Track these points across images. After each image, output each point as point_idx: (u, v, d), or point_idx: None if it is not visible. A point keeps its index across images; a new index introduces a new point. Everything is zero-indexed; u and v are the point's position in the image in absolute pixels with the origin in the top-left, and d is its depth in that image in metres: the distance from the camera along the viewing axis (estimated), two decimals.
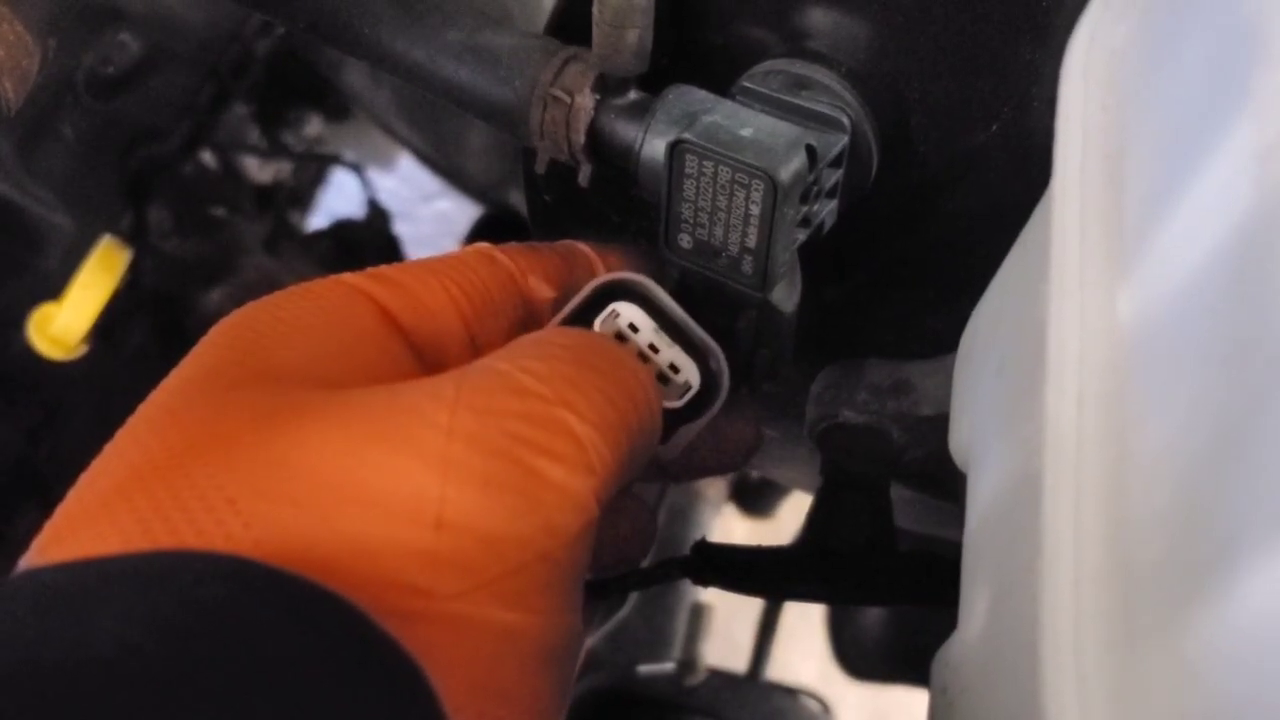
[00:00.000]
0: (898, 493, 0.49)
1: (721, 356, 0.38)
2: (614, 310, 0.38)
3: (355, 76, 0.92)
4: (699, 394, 0.38)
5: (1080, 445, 0.23)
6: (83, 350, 0.70)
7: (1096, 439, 0.23)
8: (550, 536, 0.30)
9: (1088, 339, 0.24)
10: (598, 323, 0.38)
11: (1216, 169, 0.21)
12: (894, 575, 0.44)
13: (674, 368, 0.38)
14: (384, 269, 0.36)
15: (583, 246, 0.42)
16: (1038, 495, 0.23)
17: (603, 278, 0.38)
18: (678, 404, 0.38)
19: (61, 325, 0.67)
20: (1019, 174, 0.41)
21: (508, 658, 0.29)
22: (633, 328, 0.38)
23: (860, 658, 1.07)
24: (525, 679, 0.29)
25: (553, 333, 0.35)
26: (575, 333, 0.35)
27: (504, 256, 0.39)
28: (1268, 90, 0.20)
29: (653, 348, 0.38)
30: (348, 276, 0.36)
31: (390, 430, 0.30)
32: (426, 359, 0.35)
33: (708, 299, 0.40)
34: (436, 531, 0.28)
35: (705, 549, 0.46)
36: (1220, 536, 0.18)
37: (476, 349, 0.37)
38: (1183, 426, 0.20)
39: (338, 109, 1.14)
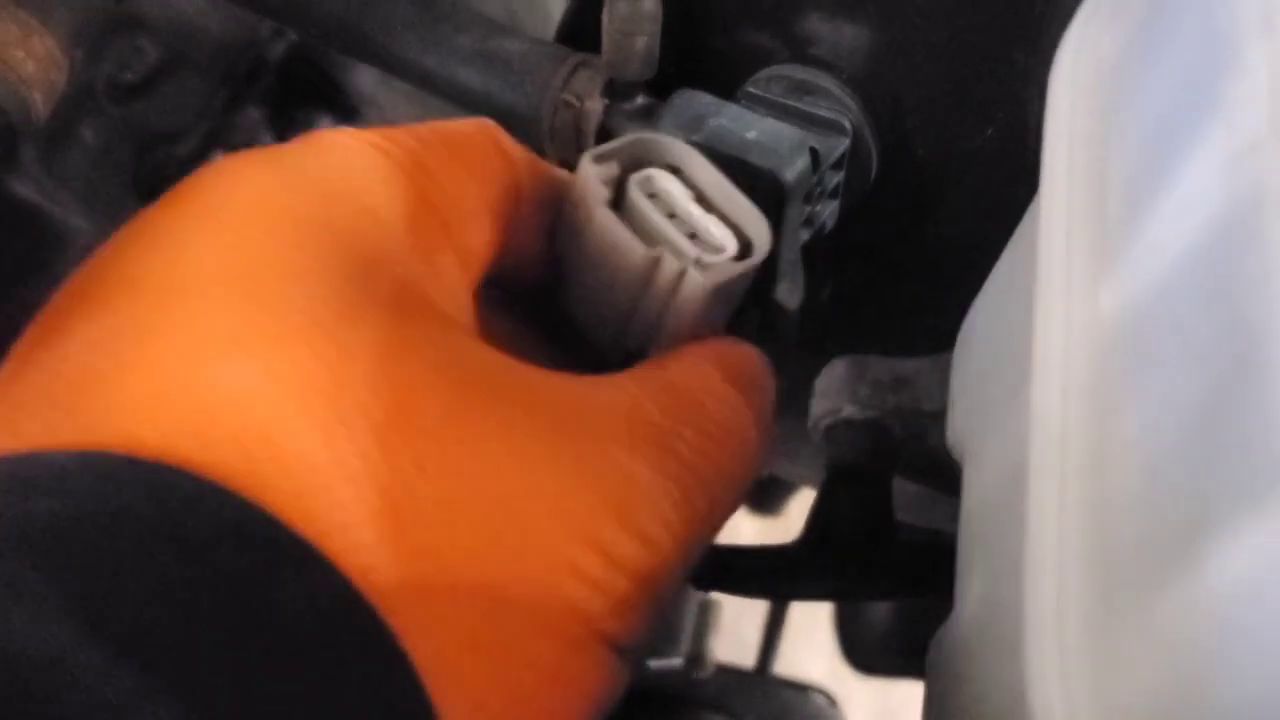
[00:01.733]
0: (901, 486, 0.50)
1: (761, 220, 0.34)
2: (648, 175, 0.35)
3: (366, 79, 0.93)
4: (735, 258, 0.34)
5: (1064, 434, 0.24)
6: None
7: (1080, 428, 0.24)
8: (668, 585, 0.29)
9: (1073, 334, 0.25)
10: (633, 181, 0.34)
11: (1191, 172, 0.22)
12: (895, 567, 0.45)
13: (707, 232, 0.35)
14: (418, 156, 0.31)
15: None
16: (1024, 482, 0.24)
17: (639, 136, 0.35)
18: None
19: None
20: (1014, 175, 0.42)
21: (606, 697, 0.28)
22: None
23: (869, 653, 1.07)
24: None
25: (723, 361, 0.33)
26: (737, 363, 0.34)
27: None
28: (1237, 98, 0.21)
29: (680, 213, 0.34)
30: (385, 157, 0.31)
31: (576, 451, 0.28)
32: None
33: None
34: (607, 567, 0.27)
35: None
36: (1189, 517, 0.20)
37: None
38: (1158, 414, 0.22)
39: (348, 111, 1.15)
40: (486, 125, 0.34)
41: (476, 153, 0.33)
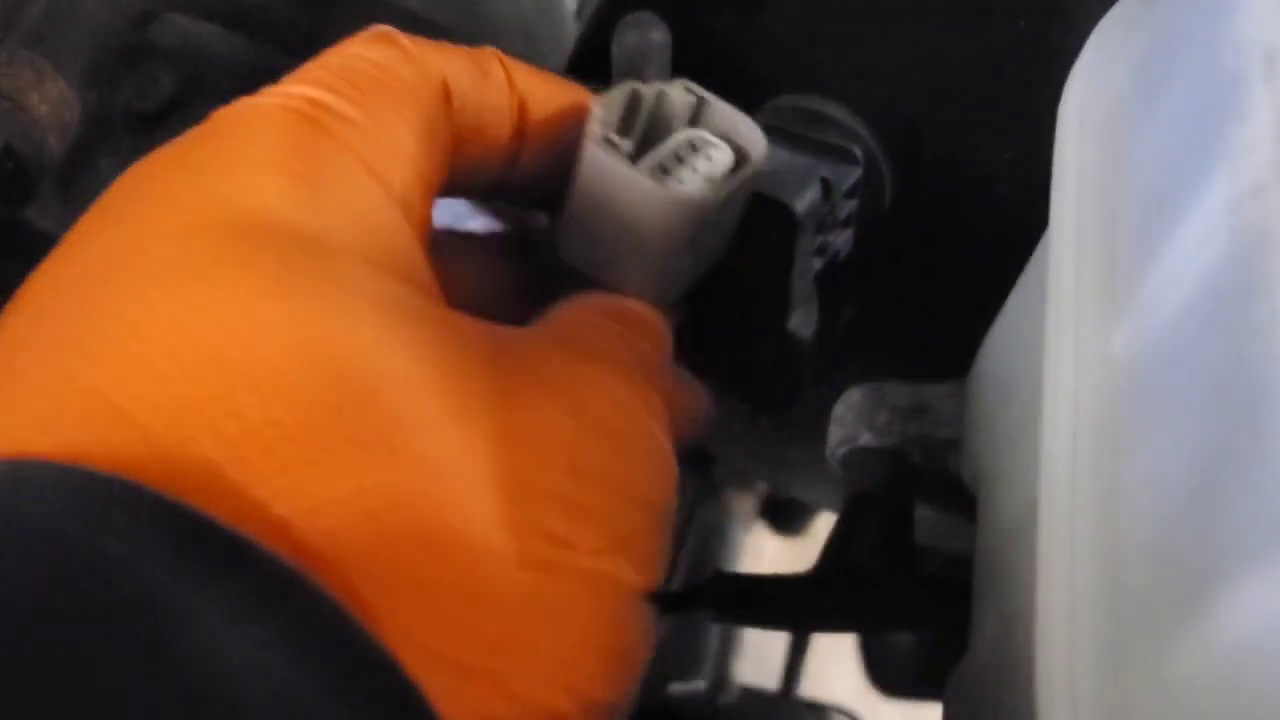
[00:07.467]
0: (923, 512, 0.50)
1: (754, 128, 0.36)
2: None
3: None
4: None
5: (1074, 477, 0.24)
6: None
7: (1090, 471, 0.23)
8: (668, 502, 0.30)
9: (1083, 373, 0.25)
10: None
11: (1197, 214, 0.22)
12: (913, 602, 0.44)
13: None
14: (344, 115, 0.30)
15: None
16: (1034, 524, 0.24)
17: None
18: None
19: None
20: (1032, 200, 0.42)
21: (632, 623, 0.28)
22: None
23: (895, 675, 1.07)
24: (641, 641, 0.29)
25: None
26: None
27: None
28: (1241, 141, 0.21)
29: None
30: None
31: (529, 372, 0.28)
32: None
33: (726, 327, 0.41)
34: (574, 478, 0.27)
35: (722, 580, 0.46)
36: (1200, 565, 0.19)
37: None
38: (1168, 459, 0.21)
39: None
40: (387, 35, 0.33)
41: (384, 76, 0.32)
